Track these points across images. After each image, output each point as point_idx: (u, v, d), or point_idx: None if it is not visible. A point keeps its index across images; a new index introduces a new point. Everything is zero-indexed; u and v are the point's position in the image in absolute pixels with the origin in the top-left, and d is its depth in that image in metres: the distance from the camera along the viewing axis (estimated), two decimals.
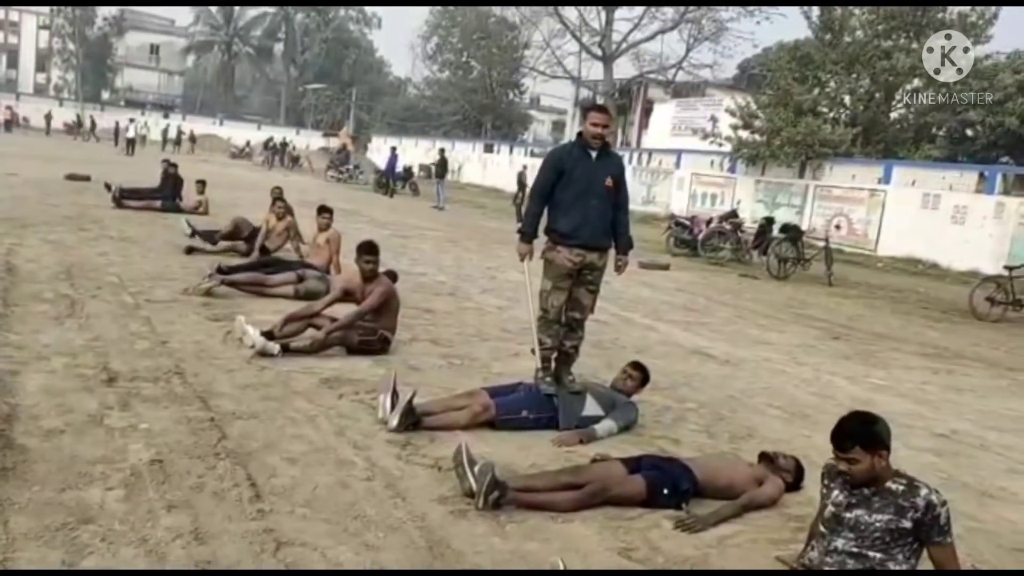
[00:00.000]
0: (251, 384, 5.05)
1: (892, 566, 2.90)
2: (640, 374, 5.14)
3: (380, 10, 67.28)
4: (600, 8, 39.61)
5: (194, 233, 10.82)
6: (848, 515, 3.02)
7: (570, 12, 41.16)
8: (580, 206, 5.03)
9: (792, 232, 15.62)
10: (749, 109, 24.27)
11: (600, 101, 38.57)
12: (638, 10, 39.97)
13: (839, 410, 6.02)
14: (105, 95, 63.74)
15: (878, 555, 2.90)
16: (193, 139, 46.89)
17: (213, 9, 65.26)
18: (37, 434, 3.89)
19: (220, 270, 8.00)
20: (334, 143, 46.05)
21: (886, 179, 21.18)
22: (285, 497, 3.52)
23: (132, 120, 41.01)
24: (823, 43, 24.85)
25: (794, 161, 22.88)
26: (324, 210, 8.94)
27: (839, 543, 2.99)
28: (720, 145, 25.35)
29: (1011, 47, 26.51)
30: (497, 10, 50.50)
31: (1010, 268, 12.54)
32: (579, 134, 5.27)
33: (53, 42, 62.20)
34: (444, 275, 10.76)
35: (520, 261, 5.34)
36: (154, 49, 69.35)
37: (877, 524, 2.93)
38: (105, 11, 62.19)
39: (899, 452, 5.17)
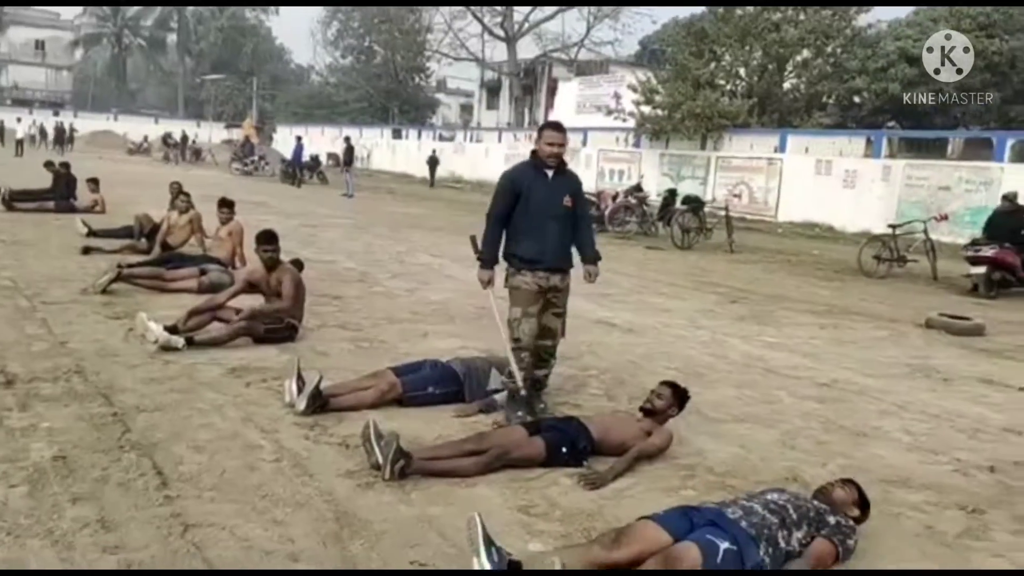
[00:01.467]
0: (155, 378, 5.05)
1: (795, 532, 3.23)
2: None
3: None
4: None
5: (91, 232, 10.55)
6: (793, 490, 3.48)
7: None
8: (539, 230, 4.81)
9: (694, 203, 16.19)
10: (650, 85, 24.79)
11: (534, 92, 38.74)
12: None
13: (731, 368, 6.42)
14: None
15: (794, 515, 3.26)
16: (71, 139, 41.75)
17: None
18: None
19: (120, 267, 7.87)
20: (237, 135, 44.79)
21: (781, 148, 22.02)
22: (192, 483, 3.59)
23: (19, 119, 39.06)
24: (716, 17, 25.56)
25: (695, 134, 23.52)
26: (224, 204, 8.87)
27: (774, 496, 3.37)
28: (624, 121, 25.82)
29: (892, 16, 27.86)
30: None
31: (894, 226, 13.29)
32: (533, 152, 4.93)
33: None
34: (353, 261, 10.78)
35: (483, 289, 5.09)
36: (39, 44, 65.93)
37: (813, 503, 3.41)
38: None
39: (784, 401, 5.55)
